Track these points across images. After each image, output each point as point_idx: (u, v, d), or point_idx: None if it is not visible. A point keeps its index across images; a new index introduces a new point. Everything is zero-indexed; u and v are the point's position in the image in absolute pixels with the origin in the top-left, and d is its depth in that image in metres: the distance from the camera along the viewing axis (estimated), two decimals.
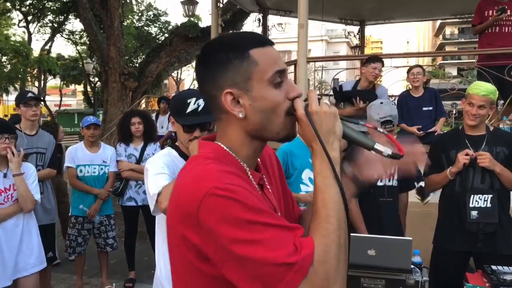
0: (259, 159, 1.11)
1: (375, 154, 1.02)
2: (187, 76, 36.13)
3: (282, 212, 1.12)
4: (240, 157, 1.02)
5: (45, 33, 23.96)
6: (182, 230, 0.91)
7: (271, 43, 1.02)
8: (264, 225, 0.85)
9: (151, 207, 2.07)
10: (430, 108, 4.63)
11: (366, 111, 3.23)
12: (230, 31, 12.42)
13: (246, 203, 0.85)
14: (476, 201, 2.79)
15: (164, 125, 7.70)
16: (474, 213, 2.79)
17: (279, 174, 1.23)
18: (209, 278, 0.91)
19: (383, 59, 4.85)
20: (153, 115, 7.59)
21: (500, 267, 2.51)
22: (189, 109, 2.10)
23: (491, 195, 2.78)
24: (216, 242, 0.85)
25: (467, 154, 2.80)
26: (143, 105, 12.02)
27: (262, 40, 1.01)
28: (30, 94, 3.83)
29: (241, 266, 0.84)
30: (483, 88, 2.84)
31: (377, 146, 0.99)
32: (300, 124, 0.98)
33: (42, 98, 3.97)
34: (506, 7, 5.02)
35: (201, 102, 2.12)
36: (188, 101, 2.11)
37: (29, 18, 22.55)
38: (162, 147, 4.84)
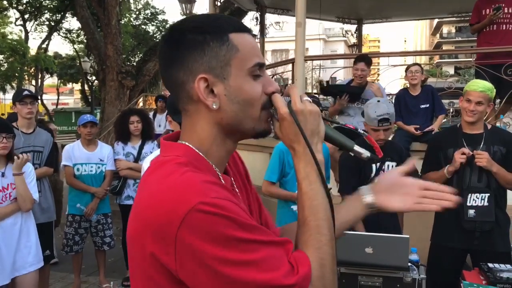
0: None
1: (401, 183, 1.00)
2: None
3: (255, 218, 1.04)
4: (211, 158, 0.90)
5: (42, 32, 23.93)
6: (152, 249, 0.77)
7: (250, 31, 0.91)
8: (256, 243, 0.76)
9: None
10: (427, 105, 4.64)
11: (364, 110, 3.24)
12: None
13: (236, 220, 0.75)
14: (473, 199, 2.81)
15: (162, 123, 7.71)
16: (471, 211, 2.80)
17: (245, 174, 1.11)
18: None
19: (370, 58, 4.88)
20: (151, 114, 7.59)
21: (496, 265, 2.52)
22: None
23: (488, 194, 2.80)
24: (200, 265, 0.74)
25: (463, 153, 2.81)
26: (141, 104, 12.02)
27: (242, 26, 0.90)
28: (26, 92, 3.82)
29: (224, 286, 0.74)
30: (480, 85, 2.87)
31: (357, 148, 0.96)
32: (281, 122, 0.90)
33: (38, 96, 3.95)
34: (503, 5, 5.03)
35: None
36: None
37: (26, 16, 22.50)
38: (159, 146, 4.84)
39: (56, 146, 4.07)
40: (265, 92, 0.90)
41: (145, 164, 2.20)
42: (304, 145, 0.89)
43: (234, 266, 0.73)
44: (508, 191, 2.95)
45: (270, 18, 9.18)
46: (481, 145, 2.85)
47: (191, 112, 0.90)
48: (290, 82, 6.10)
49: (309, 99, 0.91)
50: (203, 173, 0.83)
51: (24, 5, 21.09)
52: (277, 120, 0.91)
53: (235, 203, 0.79)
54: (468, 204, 2.81)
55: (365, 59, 4.80)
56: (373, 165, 2.97)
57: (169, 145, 0.92)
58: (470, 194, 2.81)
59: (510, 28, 5.08)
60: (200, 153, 0.89)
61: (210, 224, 0.73)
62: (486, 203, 2.79)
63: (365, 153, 0.96)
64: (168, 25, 21.72)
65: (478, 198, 2.80)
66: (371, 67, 4.84)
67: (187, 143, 0.90)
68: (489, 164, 2.76)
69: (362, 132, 1.01)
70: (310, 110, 0.89)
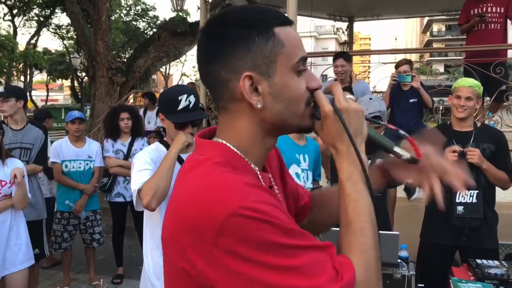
0: None
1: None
2: (176, 71, 36.04)
3: (291, 214, 1.00)
4: (250, 157, 0.87)
5: (31, 27, 23.61)
6: (186, 249, 0.74)
7: (292, 23, 0.86)
8: (298, 248, 0.72)
9: (134, 202, 2.08)
10: (415, 100, 4.71)
11: None
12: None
13: (279, 225, 0.72)
14: (462, 196, 2.84)
15: (152, 120, 7.66)
16: (460, 208, 2.83)
17: (280, 168, 1.07)
18: None
19: (349, 54, 4.90)
20: (141, 111, 7.55)
21: (485, 261, 2.55)
22: (180, 106, 2.09)
23: (477, 191, 2.83)
24: (238, 271, 0.70)
25: (454, 151, 2.83)
26: (131, 100, 11.95)
27: (286, 19, 0.85)
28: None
29: None
30: (469, 81, 2.95)
31: (396, 148, 0.93)
32: (324, 120, 0.86)
33: (8, 94, 3.72)
34: (491, 4, 5.07)
35: (192, 98, 2.11)
36: (180, 98, 2.09)
37: (15, 11, 22.19)
38: (149, 143, 4.82)
39: (46, 143, 4.00)
40: (308, 87, 0.86)
41: (135, 160, 2.19)
42: (347, 144, 0.85)
43: (275, 272, 0.70)
44: (497, 189, 2.99)
45: None
46: (471, 143, 2.88)
47: (231, 110, 0.86)
48: None
49: (352, 97, 0.89)
50: (242, 174, 0.79)
51: (13, 0, 20.82)
52: (316, 118, 0.88)
53: (276, 206, 0.75)
54: (457, 200, 2.84)
55: (344, 55, 4.82)
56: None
57: (205, 144, 0.88)
58: (459, 191, 2.83)
59: (498, 28, 5.13)
60: (239, 153, 0.85)
61: (250, 229, 0.70)
62: (474, 200, 2.82)
63: (405, 154, 0.93)
64: (158, 21, 21.60)
65: (466, 195, 2.84)
66: (362, 64, 4.87)
67: (225, 142, 0.86)
68: (480, 161, 2.79)
69: (403, 133, 0.96)
70: (355, 108, 0.86)
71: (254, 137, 0.86)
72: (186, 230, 0.74)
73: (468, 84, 2.89)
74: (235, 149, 0.85)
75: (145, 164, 2.11)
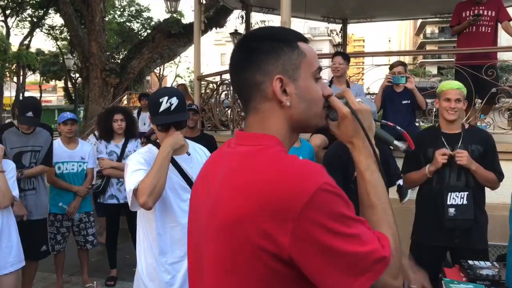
0: None
1: None
2: (170, 73, 35.90)
3: None
4: None
5: (24, 28, 23.47)
6: (266, 227, 0.84)
7: (308, 41, 1.05)
8: (355, 220, 0.88)
9: (129, 203, 2.08)
10: (408, 101, 4.74)
11: None
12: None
13: (346, 200, 0.88)
14: (453, 198, 2.87)
15: (146, 122, 7.65)
16: (451, 210, 2.86)
17: None
18: (288, 279, 0.87)
19: (347, 54, 4.95)
20: (135, 112, 7.53)
21: (476, 262, 2.57)
22: (161, 108, 2.09)
23: (467, 192, 2.86)
24: (320, 241, 0.83)
25: (444, 154, 2.86)
26: (125, 102, 11.91)
27: (304, 37, 1.04)
28: None
29: (338, 262, 0.84)
30: (455, 83, 3.00)
31: (396, 142, 1.12)
32: (342, 121, 1.03)
33: None
34: (483, 8, 5.12)
35: (173, 100, 2.10)
36: (160, 100, 2.09)
37: (8, 12, 22.05)
38: (143, 144, 4.81)
39: (52, 144, 4.05)
40: (323, 94, 1.03)
41: (128, 161, 2.19)
42: (363, 139, 1.03)
43: (345, 240, 0.84)
44: (487, 190, 3.02)
45: (255, 16, 9.20)
46: (459, 144, 2.92)
47: (263, 109, 1.00)
48: None
49: (361, 100, 1.07)
50: None
51: (6, 1, 20.68)
52: (331, 119, 1.05)
53: None
54: (448, 203, 2.86)
55: (342, 54, 4.91)
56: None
57: (255, 136, 0.99)
58: (449, 193, 2.87)
59: (489, 31, 5.18)
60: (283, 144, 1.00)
61: (332, 201, 0.85)
62: (465, 202, 2.85)
63: (402, 146, 1.12)
64: (152, 23, 21.54)
65: (457, 197, 2.86)
66: (356, 66, 4.91)
67: (274, 134, 0.99)
68: (469, 162, 2.82)
69: (399, 128, 1.14)
70: (366, 109, 1.04)
71: (285, 132, 1.01)
72: (269, 210, 0.84)
73: (456, 87, 2.95)
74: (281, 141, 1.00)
75: (139, 164, 2.11)
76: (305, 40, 1.03)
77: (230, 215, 0.88)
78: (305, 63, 0.99)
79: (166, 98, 2.09)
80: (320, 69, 1.03)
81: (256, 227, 0.84)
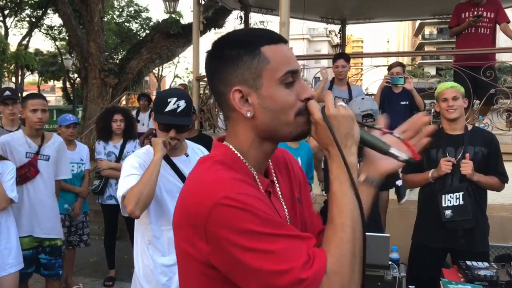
0: (271, 164, 1.07)
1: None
2: (169, 73, 35.87)
3: (294, 222, 1.06)
4: (248, 160, 0.99)
5: (23, 28, 23.44)
6: (189, 233, 0.90)
7: (284, 41, 0.98)
8: (275, 236, 0.83)
9: (121, 208, 2.08)
10: (407, 102, 4.75)
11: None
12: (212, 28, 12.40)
13: (257, 214, 0.83)
14: (448, 200, 2.85)
15: (145, 122, 7.65)
16: (448, 212, 2.83)
17: (298, 180, 1.15)
18: (218, 280, 0.90)
19: (349, 56, 4.95)
20: (134, 112, 7.53)
21: (474, 263, 2.57)
22: (167, 108, 2.09)
23: (462, 192, 2.82)
24: (226, 252, 0.84)
25: (449, 161, 2.84)
26: (124, 102, 11.90)
27: (275, 37, 0.97)
28: (7, 93, 3.81)
29: (250, 275, 0.83)
30: (449, 83, 3.05)
31: (392, 150, 0.97)
32: (316, 127, 0.95)
33: (18, 97, 3.90)
34: (482, 9, 5.13)
35: (181, 103, 2.10)
36: (169, 100, 2.09)
37: (6, 12, 22.02)
38: (142, 145, 4.81)
39: None
40: (299, 99, 0.96)
41: (124, 164, 2.19)
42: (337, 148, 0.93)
43: (252, 254, 0.82)
44: (489, 192, 3.01)
45: (254, 17, 9.18)
46: (463, 146, 2.90)
47: (232, 118, 1.00)
48: None
49: (344, 104, 0.95)
50: (234, 171, 0.94)
51: (4, 1, 20.66)
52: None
53: (259, 198, 0.88)
54: (443, 205, 2.84)
55: (344, 55, 4.90)
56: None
57: (215, 145, 1.04)
58: (444, 195, 2.85)
59: (487, 32, 5.19)
60: (238, 154, 0.99)
61: (232, 217, 0.83)
62: (461, 202, 2.82)
63: (402, 155, 0.97)
64: (151, 23, 21.55)
65: (452, 198, 2.84)
66: (355, 66, 4.92)
67: (228, 144, 1.00)
68: (472, 174, 2.80)
69: (397, 136, 1.01)
70: (343, 114, 0.93)
71: (251, 142, 0.98)
72: (187, 218, 0.90)
73: (450, 86, 2.98)
74: (235, 151, 0.99)
75: (132, 169, 2.11)
76: (276, 41, 0.96)
77: (173, 220, 0.97)
78: (268, 71, 0.93)
79: (175, 99, 2.09)
80: (293, 72, 0.95)
81: (184, 233, 0.92)
